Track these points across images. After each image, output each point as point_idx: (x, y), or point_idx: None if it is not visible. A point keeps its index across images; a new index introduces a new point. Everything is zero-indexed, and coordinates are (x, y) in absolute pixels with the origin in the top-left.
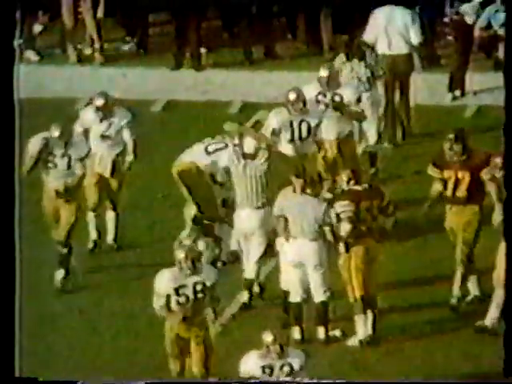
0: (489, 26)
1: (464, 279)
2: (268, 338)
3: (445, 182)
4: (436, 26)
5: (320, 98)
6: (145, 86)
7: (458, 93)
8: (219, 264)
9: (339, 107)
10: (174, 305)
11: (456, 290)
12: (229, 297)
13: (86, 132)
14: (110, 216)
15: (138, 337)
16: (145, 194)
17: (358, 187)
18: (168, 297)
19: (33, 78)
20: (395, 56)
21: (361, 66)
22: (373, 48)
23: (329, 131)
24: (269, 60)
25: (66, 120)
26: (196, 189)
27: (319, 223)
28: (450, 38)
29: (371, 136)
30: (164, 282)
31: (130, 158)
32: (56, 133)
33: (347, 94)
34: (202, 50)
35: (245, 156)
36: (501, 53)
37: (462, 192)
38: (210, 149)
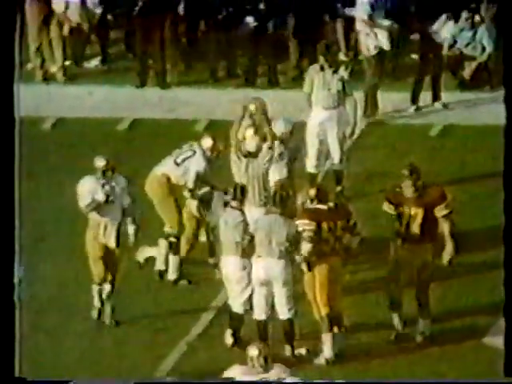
0: (453, 44)
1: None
2: (253, 351)
3: (399, 218)
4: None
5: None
6: (111, 105)
7: (421, 103)
8: (184, 282)
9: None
10: None
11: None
12: (194, 316)
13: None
14: (107, 289)
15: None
16: None
17: (321, 206)
18: None
19: None
20: None
21: (334, 78)
22: (347, 65)
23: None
24: (234, 77)
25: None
26: (163, 202)
27: (289, 241)
28: (414, 56)
29: (336, 155)
30: (234, 375)
31: (132, 228)
32: None
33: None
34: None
35: (246, 154)
36: (466, 72)
37: (415, 229)
38: (179, 160)
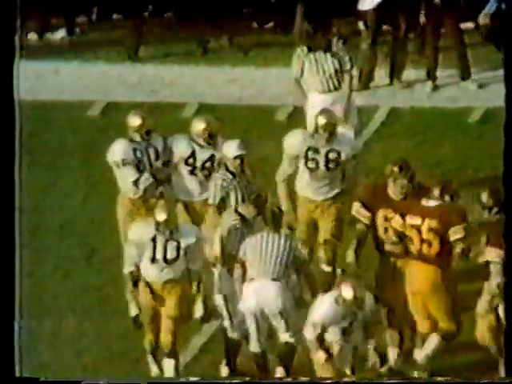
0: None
1: None
2: None
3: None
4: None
5: (310, 154)
6: (80, 85)
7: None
8: None
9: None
10: None
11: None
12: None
13: None
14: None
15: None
16: (80, 215)
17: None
18: None
19: None
20: None
21: (327, 57)
22: (340, 36)
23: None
24: (232, 53)
25: None
26: None
27: (285, 263)
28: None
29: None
30: None
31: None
32: None
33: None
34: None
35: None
36: None
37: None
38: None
